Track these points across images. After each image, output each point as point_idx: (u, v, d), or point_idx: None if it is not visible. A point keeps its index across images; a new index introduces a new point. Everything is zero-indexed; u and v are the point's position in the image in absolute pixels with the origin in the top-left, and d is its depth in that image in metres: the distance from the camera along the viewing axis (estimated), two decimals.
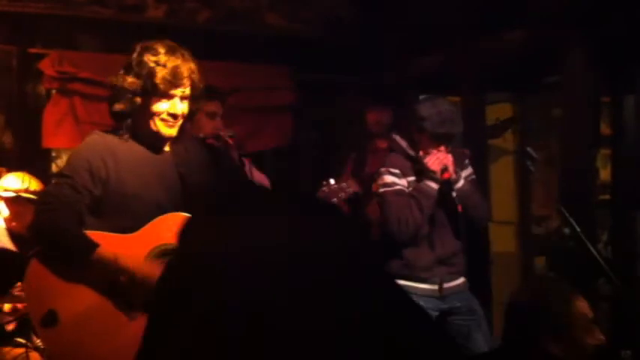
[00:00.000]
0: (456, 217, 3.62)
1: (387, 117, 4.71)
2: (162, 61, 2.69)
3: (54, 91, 5.02)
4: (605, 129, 4.90)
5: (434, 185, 3.54)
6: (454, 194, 3.58)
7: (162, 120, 2.75)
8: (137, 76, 2.70)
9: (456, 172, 3.59)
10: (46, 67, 4.91)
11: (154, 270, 2.65)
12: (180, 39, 2.80)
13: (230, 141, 3.91)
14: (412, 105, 3.78)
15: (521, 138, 5.40)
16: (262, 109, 5.30)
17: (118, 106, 2.74)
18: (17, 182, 3.81)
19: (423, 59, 5.14)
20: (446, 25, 4.83)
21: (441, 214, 3.64)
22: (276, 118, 5.41)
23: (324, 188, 3.69)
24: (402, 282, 3.63)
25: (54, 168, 5.27)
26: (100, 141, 2.76)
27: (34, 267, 2.68)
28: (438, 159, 3.53)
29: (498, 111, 5.39)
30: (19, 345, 3.47)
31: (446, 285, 3.65)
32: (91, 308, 2.65)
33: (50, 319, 2.61)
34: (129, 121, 2.76)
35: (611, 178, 4.82)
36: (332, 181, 3.69)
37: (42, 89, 5.05)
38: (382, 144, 4.64)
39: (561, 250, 4.60)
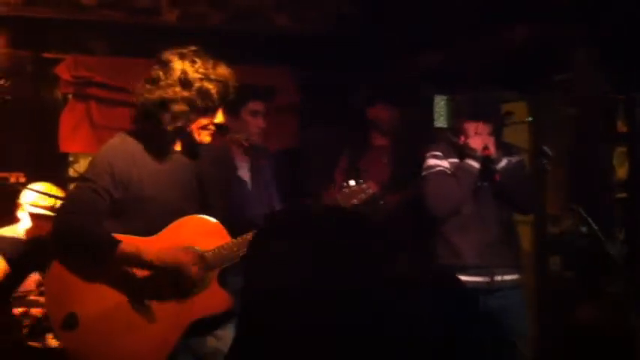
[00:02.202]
0: (503, 204, 3.71)
1: (388, 114, 4.62)
2: (211, 75, 2.70)
3: (70, 96, 5.06)
4: (621, 127, 4.86)
5: (474, 163, 3.69)
6: (494, 167, 3.70)
7: (208, 130, 2.78)
8: (187, 90, 2.68)
9: (497, 154, 3.72)
10: (62, 71, 4.94)
11: (179, 256, 2.67)
12: (193, 42, 2.82)
13: (245, 144, 3.93)
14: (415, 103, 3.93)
15: (535, 136, 5.36)
16: (268, 110, 5.27)
17: (176, 122, 2.70)
18: (45, 200, 3.81)
19: (423, 58, 5.13)
20: (447, 24, 4.80)
21: (486, 198, 3.71)
22: (282, 119, 5.39)
23: (345, 190, 3.68)
24: None
25: (71, 172, 5.30)
26: (122, 144, 2.79)
27: (54, 270, 2.72)
28: (479, 139, 3.70)
29: (512, 109, 5.36)
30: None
31: (497, 278, 3.64)
32: (110, 310, 2.69)
33: (70, 322, 2.64)
34: (151, 125, 2.75)
35: (628, 176, 4.78)
36: (352, 182, 3.70)
37: (58, 94, 5.09)
38: (380, 141, 4.60)
39: (577, 248, 4.57)
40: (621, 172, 4.93)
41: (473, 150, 3.69)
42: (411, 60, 5.20)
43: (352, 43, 5.28)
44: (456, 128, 3.85)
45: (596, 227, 3.56)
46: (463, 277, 3.60)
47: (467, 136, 3.74)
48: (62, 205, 2.84)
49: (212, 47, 2.83)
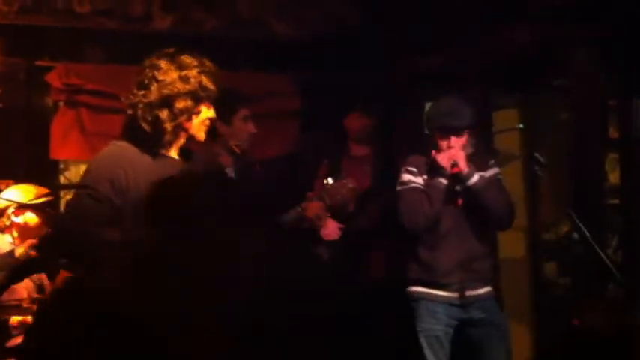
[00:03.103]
0: (479, 219, 3.66)
1: (363, 124, 4.59)
2: (205, 67, 2.74)
3: (61, 103, 5.04)
4: (613, 133, 4.88)
5: (443, 180, 3.64)
6: (458, 188, 3.64)
7: (204, 125, 2.80)
8: (188, 84, 2.72)
9: (469, 169, 3.63)
10: (53, 79, 4.93)
11: None
12: (189, 49, 2.81)
13: (236, 150, 3.93)
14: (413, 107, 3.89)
15: (528, 143, 5.38)
16: (268, 116, 5.27)
17: (178, 118, 2.71)
18: (19, 195, 3.75)
19: (423, 60, 5.14)
20: (447, 25, 4.81)
21: (459, 214, 3.66)
22: (282, 124, 5.39)
23: (327, 188, 3.73)
24: (421, 289, 3.67)
25: (62, 180, 5.28)
26: (118, 151, 2.77)
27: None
28: (447, 155, 3.64)
29: (505, 116, 5.38)
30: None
31: (468, 292, 3.63)
32: None
33: None
34: (146, 131, 2.74)
35: (620, 182, 4.80)
36: (330, 180, 3.73)
37: (49, 101, 5.07)
38: (358, 151, 4.58)
39: (571, 255, 4.58)
40: (613, 178, 4.96)
41: (440, 167, 3.65)
42: (410, 61, 5.19)
43: (352, 44, 5.27)
44: (431, 141, 3.76)
45: (587, 233, 3.57)
46: (435, 291, 3.63)
47: (437, 151, 3.68)
48: (64, 214, 2.82)
49: (209, 53, 2.83)
